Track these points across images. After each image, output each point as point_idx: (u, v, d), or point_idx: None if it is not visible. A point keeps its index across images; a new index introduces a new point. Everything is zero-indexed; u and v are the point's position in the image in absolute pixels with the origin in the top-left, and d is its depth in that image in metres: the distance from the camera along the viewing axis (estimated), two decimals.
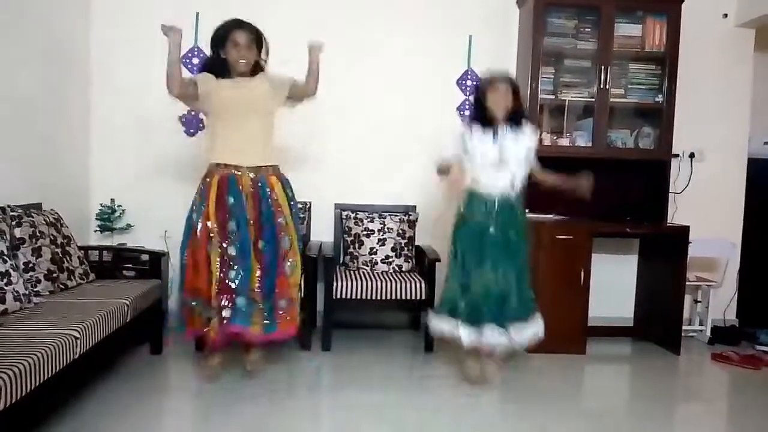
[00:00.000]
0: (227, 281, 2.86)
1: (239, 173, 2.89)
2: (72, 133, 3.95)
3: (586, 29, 4.09)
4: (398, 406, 2.98)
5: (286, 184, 3.04)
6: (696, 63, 4.28)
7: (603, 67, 3.99)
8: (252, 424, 2.69)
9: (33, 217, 3.04)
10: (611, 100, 4.06)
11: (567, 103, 4.15)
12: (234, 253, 2.86)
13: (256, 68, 3.00)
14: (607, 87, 4.00)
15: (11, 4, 3.21)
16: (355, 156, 4.28)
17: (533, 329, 3.17)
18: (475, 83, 4.16)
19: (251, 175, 2.90)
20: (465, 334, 3.08)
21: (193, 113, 4.18)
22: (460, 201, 3.22)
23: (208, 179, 2.91)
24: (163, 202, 4.15)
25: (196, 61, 4.14)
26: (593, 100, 4.07)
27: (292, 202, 3.02)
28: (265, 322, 2.90)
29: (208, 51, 4.07)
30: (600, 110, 4.05)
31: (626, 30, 4.09)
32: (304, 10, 4.22)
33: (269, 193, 2.92)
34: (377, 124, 4.30)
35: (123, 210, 4.13)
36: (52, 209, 3.33)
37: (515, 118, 3.16)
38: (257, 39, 2.95)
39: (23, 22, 3.32)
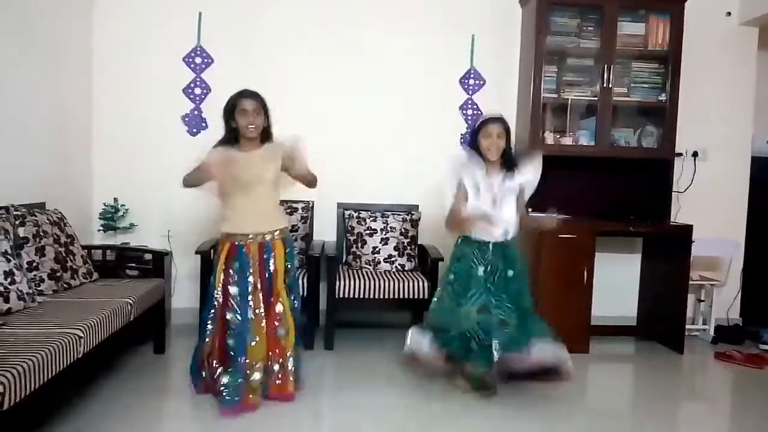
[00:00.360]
0: (225, 347, 2.89)
1: (249, 241, 2.95)
2: (75, 133, 3.95)
3: (589, 28, 4.08)
4: (400, 405, 2.98)
5: (288, 246, 3.07)
6: (699, 61, 4.27)
7: (606, 66, 3.98)
8: (254, 423, 2.69)
9: (37, 217, 3.05)
10: (614, 98, 4.05)
11: (570, 102, 4.14)
12: (233, 320, 2.88)
13: (265, 135, 3.08)
14: (610, 86, 3.99)
15: (12, 4, 3.21)
16: (357, 155, 4.28)
17: (545, 352, 3.06)
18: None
19: (259, 239, 2.96)
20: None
21: (196, 112, 4.19)
22: (457, 240, 3.26)
23: (219, 248, 3.00)
24: (166, 202, 4.15)
25: (198, 60, 4.15)
26: (596, 98, 4.06)
27: (289, 266, 3.05)
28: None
29: (210, 51, 4.15)
30: (603, 109, 4.04)
31: (629, 29, 4.08)
32: (305, 10, 4.22)
33: (272, 259, 2.98)
34: (380, 123, 4.30)
35: (126, 209, 4.14)
36: (55, 209, 3.33)
37: (508, 160, 3.16)
38: (264, 106, 3.03)
39: (25, 22, 3.32)
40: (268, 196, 3.04)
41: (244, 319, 2.85)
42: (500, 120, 3.18)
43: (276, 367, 2.94)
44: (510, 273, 3.14)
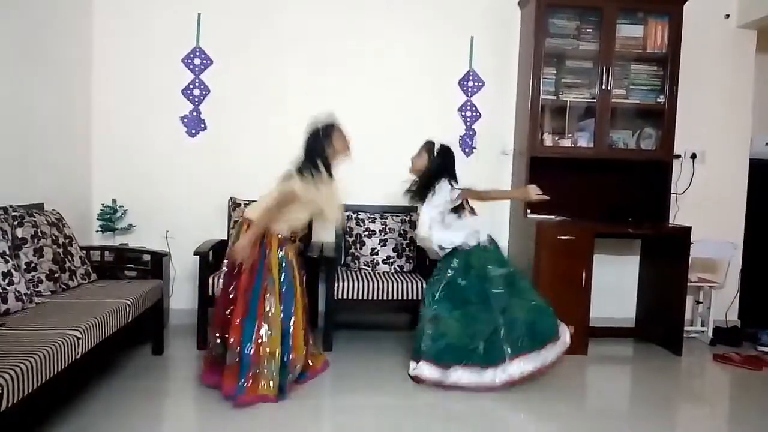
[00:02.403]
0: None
1: (288, 246, 3.14)
2: (74, 134, 3.95)
3: (588, 30, 4.09)
4: (399, 406, 2.98)
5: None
6: (698, 64, 4.28)
7: (605, 68, 3.99)
8: (252, 425, 2.68)
9: (35, 217, 3.04)
10: (613, 100, 4.05)
11: (569, 104, 4.15)
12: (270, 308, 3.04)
13: None
14: (609, 88, 4.00)
15: (12, 4, 3.21)
16: (356, 156, 4.26)
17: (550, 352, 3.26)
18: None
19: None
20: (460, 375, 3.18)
21: (195, 113, 4.18)
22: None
23: (269, 242, 3.07)
24: (164, 203, 4.16)
25: (197, 61, 4.15)
26: (595, 100, 4.07)
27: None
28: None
29: (209, 52, 4.14)
30: (602, 111, 4.04)
31: (628, 31, 4.09)
32: (304, 12, 4.22)
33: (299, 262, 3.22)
34: (378, 124, 4.29)
35: (125, 210, 4.13)
36: (53, 209, 3.32)
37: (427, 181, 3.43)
38: None
39: (25, 22, 3.32)
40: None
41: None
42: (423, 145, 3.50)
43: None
44: (494, 273, 3.29)
